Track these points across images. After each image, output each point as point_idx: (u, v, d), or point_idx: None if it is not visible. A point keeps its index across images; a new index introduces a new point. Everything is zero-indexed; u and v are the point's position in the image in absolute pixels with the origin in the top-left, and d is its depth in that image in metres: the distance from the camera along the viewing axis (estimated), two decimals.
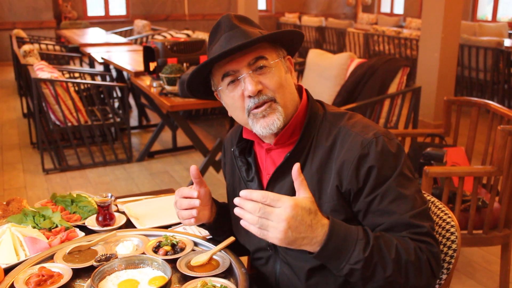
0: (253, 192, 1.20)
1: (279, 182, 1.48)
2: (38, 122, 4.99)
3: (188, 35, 7.87)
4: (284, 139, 1.47)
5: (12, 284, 1.42)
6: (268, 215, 1.18)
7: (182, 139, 5.77)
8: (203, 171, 4.52)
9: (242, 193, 1.21)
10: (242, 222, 1.22)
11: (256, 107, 1.41)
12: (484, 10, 12.03)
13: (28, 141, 5.97)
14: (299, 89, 1.54)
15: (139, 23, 10.57)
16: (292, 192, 1.40)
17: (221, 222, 1.66)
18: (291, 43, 1.52)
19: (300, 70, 5.76)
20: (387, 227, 1.35)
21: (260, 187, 1.53)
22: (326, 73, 5.13)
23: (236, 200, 1.22)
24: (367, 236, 1.28)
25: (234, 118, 1.50)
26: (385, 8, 15.10)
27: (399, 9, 14.42)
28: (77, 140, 5.40)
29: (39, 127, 5.02)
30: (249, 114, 1.42)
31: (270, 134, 1.45)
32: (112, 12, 13.66)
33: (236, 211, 1.22)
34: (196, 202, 1.50)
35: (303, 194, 1.24)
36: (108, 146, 5.49)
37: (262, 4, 15.27)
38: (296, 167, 1.24)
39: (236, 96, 1.43)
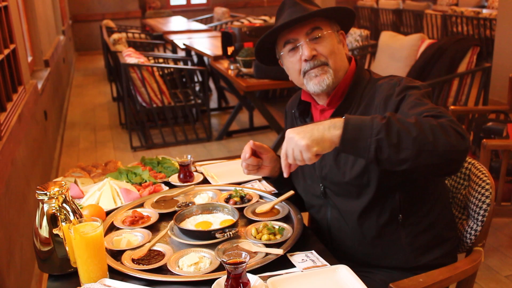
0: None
1: None
2: (127, 104, 5.45)
3: (265, 21, 8.14)
4: (335, 100, 1.73)
5: (112, 222, 1.76)
6: (290, 153, 1.42)
7: (259, 120, 6.08)
8: (277, 146, 4.80)
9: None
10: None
11: (311, 69, 1.67)
12: None
13: (118, 122, 6.50)
14: (350, 59, 1.78)
15: (219, 11, 10.96)
16: None
17: (282, 177, 1.92)
18: (344, 20, 1.77)
19: (372, 52, 5.89)
20: None
21: None
22: (397, 55, 5.25)
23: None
24: (381, 114, 1.44)
25: (293, 81, 1.78)
26: None
27: None
28: (162, 121, 5.83)
29: (127, 109, 5.49)
30: (304, 75, 1.69)
31: (323, 95, 1.72)
32: (194, 1, 14.16)
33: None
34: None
35: None
36: (190, 126, 5.89)
37: None
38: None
39: (295, 61, 1.70)
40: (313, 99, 1.79)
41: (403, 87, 1.58)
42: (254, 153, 1.84)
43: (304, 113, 1.86)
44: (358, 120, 1.37)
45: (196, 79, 7.15)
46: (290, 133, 1.42)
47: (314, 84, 1.68)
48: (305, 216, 1.99)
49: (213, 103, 7.18)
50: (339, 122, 1.38)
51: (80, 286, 1.41)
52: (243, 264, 1.30)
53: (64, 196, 1.49)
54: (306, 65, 1.68)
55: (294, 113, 1.88)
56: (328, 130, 1.38)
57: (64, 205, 1.49)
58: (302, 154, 1.39)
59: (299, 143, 1.38)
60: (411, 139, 1.33)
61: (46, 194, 1.46)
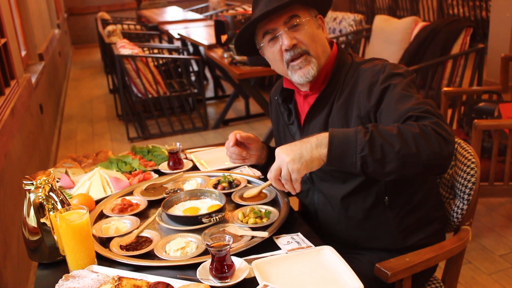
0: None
1: (313, 120, 1.73)
2: (122, 95, 5.46)
3: None
4: (318, 85, 1.73)
5: (101, 211, 1.78)
6: (282, 177, 1.46)
7: (255, 107, 6.08)
8: (270, 136, 4.83)
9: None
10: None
11: (293, 60, 1.66)
12: None
13: (115, 113, 6.52)
14: (331, 43, 1.77)
15: (214, 0, 10.91)
16: (324, 127, 1.68)
17: (270, 164, 1.94)
18: (321, 4, 1.75)
19: (366, 36, 5.87)
20: (393, 122, 1.49)
21: (299, 128, 1.80)
22: (391, 38, 5.24)
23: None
24: (365, 127, 1.43)
25: (276, 70, 1.77)
26: None
27: None
28: (158, 111, 5.84)
29: (123, 100, 5.50)
30: (288, 65, 1.68)
31: (305, 82, 1.71)
32: None
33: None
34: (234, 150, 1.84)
35: None
36: (186, 115, 5.90)
37: None
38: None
39: (275, 51, 1.69)
40: (296, 86, 1.79)
41: (387, 75, 1.57)
42: (241, 144, 1.86)
43: (287, 100, 1.86)
44: (342, 137, 1.39)
45: (192, 70, 7.15)
46: (280, 153, 1.45)
47: (299, 77, 1.68)
48: (295, 200, 2.00)
49: (210, 92, 7.18)
50: (324, 139, 1.40)
51: (69, 273, 1.43)
52: (226, 247, 1.32)
53: (50, 185, 1.50)
54: (287, 54, 1.67)
55: (277, 100, 1.88)
56: (315, 149, 1.41)
57: (51, 194, 1.50)
58: (291, 174, 1.42)
59: (290, 166, 1.41)
60: (394, 153, 1.36)
61: (32, 184, 1.48)
